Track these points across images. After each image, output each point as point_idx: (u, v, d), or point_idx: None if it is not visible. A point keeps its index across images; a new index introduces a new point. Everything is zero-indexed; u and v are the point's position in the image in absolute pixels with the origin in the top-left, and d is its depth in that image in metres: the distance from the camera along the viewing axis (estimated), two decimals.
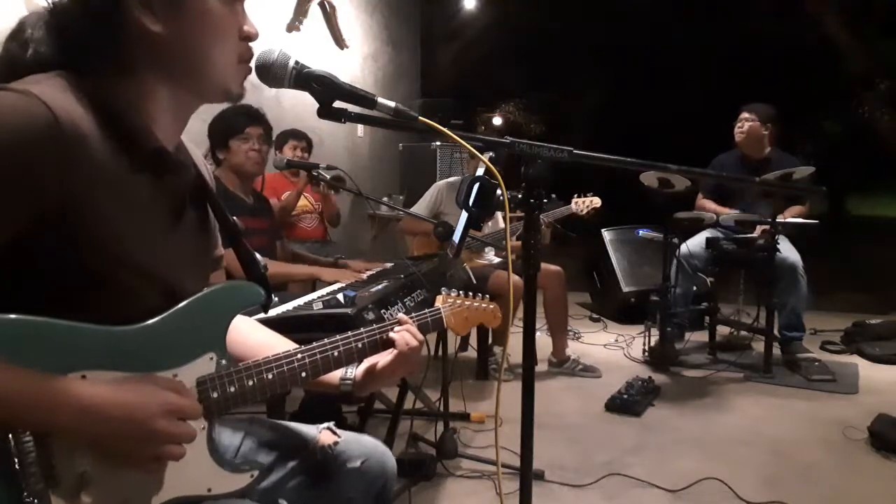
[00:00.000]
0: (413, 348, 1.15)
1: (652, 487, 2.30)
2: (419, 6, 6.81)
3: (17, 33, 0.92)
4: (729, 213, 3.83)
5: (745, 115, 3.91)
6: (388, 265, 2.44)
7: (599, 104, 14.89)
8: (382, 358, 1.16)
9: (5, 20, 0.95)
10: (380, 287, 1.90)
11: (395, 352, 1.14)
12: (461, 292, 1.31)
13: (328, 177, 2.85)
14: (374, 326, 1.14)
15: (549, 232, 3.65)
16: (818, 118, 14.82)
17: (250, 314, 1.30)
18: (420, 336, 1.17)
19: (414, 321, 1.19)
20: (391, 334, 1.14)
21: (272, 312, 1.67)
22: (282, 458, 1.15)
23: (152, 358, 0.89)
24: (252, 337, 1.18)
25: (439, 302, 1.28)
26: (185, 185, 1.01)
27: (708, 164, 4.09)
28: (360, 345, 1.11)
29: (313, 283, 2.91)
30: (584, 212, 3.63)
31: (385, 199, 5.07)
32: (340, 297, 1.70)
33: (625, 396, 3.08)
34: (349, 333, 1.11)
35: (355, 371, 1.17)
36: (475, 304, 1.32)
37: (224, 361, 0.96)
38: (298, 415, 2.30)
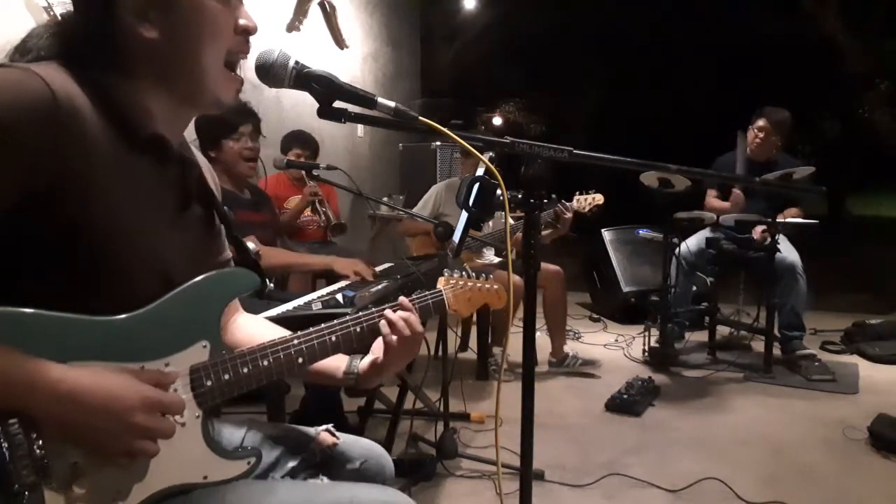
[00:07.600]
0: (414, 333, 1.12)
1: (652, 487, 2.30)
2: (419, 6, 6.80)
3: (23, 43, 0.93)
4: (735, 207, 3.81)
5: (763, 123, 3.79)
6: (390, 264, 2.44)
7: (599, 104, 14.89)
8: (383, 350, 1.14)
9: (6, 21, 0.95)
10: (380, 287, 1.91)
11: (395, 337, 1.11)
12: (463, 273, 1.28)
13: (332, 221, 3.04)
14: (373, 309, 1.12)
15: (571, 220, 3.41)
16: (818, 118, 14.81)
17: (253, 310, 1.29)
18: (418, 325, 1.13)
19: (415, 304, 1.16)
20: (390, 315, 1.11)
21: (271, 312, 1.67)
22: (282, 457, 1.15)
23: (143, 347, 0.87)
24: (255, 329, 1.17)
25: (441, 283, 1.25)
26: (188, 180, 1.01)
27: (709, 163, 4.06)
28: (358, 329, 1.08)
29: (313, 283, 2.91)
30: (587, 209, 3.59)
31: (385, 199, 5.07)
32: (340, 297, 1.71)
33: (625, 396, 3.08)
34: (347, 318, 1.09)
35: (359, 364, 1.15)
36: (478, 284, 1.28)
37: (218, 348, 0.94)
38: (299, 413, 2.30)
